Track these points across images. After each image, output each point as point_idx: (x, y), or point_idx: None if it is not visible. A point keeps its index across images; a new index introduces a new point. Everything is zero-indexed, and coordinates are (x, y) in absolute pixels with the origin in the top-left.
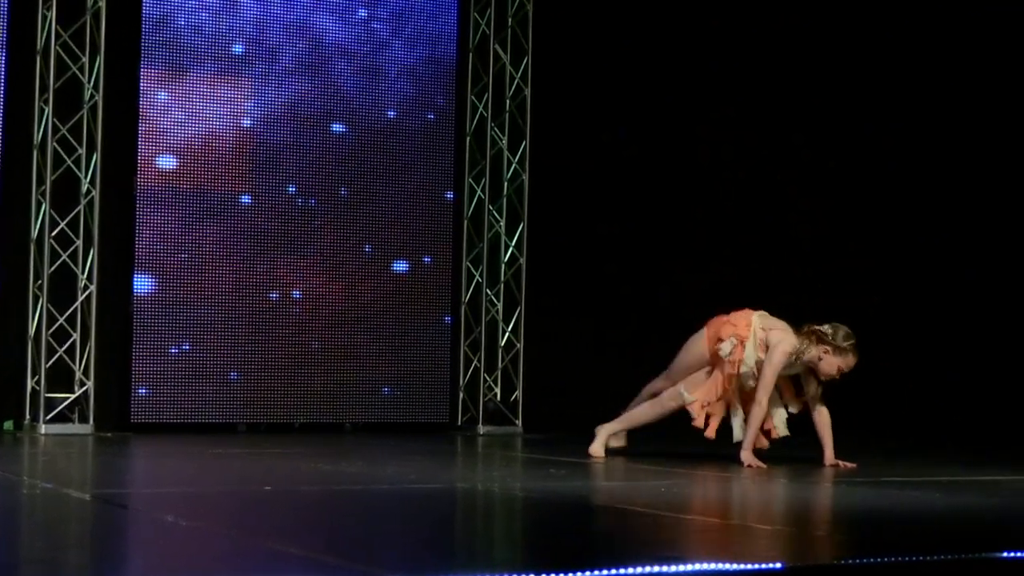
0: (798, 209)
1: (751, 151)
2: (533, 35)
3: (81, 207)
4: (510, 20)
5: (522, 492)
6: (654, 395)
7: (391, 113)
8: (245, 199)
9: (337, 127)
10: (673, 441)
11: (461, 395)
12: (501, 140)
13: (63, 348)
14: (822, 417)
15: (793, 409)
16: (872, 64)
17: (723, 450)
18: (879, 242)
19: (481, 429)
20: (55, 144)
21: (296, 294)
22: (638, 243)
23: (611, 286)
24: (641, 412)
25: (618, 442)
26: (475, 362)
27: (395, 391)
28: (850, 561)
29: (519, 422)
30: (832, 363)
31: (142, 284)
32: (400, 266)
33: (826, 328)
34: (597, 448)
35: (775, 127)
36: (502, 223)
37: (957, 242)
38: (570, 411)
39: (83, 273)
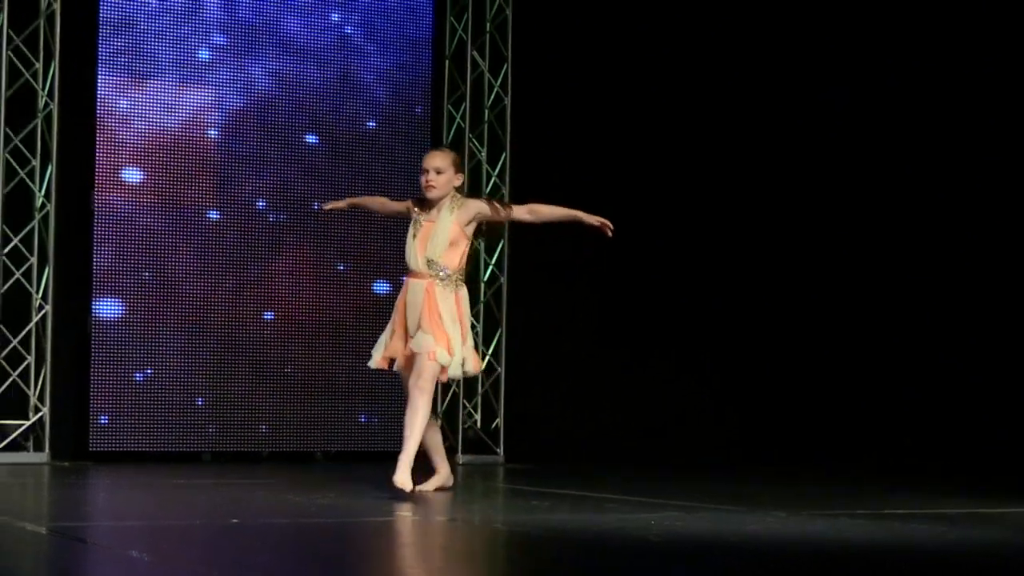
0: (805, 208)
1: (740, 149)
2: (513, 41)
3: (35, 222)
4: (488, 25)
5: (504, 525)
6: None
7: (371, 123)
8: (212, 214)
9: (311, 138)
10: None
11: (439, 422)
12: (480, 152)
13: (16, 372)
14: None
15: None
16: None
17: (686, 483)
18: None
19: (460, 459)
20: (7, 155)
21: (267, 315)
22: (625, 262)
23: (595, 307)
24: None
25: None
26: (454, 388)
27: (372, 418)
28: None
29: (500, 451)
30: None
31: (102, 305)
32: (381, 287)
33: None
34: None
35: (762, 125)
36: (481, 240)
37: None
38: (555, 439)
39: (38, 292)
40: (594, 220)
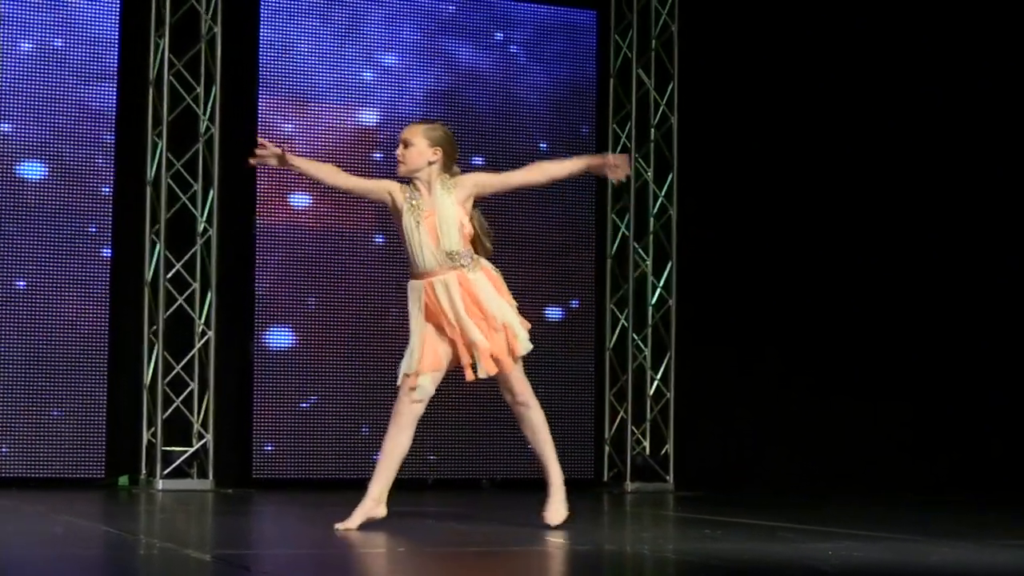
0: (962, 234)
1: (913, 172)
2: (679, 58)
3: (198, 247)
4: (654, 42)
5: (675, 555)
6: None
7: (543, 145)
8: (378, 239)
9: (477, 159)
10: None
11: (607, 449)
12: (646, 172)
13: (180, 398)
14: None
15: None
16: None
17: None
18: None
19: (629, 486)
20: (169, 180)
21: None
22: (801, 280)
23: (769, 329)
24: None
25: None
26: (621, 413)
27: None
28: None
29: (670, 478)
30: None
31: (269, 334)
32: (553, 313)
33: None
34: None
35: (937, 146)
36: (648, 262)
37: None
38: (726, 466)
39: (200, 318)
40: (597, 160)
